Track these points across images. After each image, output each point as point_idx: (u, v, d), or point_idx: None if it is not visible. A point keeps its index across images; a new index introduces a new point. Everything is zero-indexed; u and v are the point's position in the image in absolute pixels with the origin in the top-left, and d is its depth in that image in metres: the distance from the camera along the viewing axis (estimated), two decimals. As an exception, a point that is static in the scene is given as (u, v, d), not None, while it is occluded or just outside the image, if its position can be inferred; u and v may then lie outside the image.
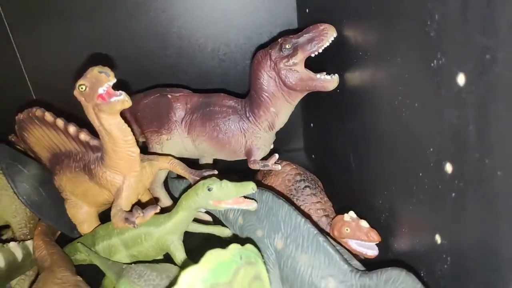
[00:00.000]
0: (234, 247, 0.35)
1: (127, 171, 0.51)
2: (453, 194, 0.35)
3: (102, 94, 0.44)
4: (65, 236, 0.64)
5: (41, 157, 0.63)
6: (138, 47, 0.78)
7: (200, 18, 0.78)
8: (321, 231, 0.49)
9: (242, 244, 0.36)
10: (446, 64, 0.33)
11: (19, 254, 0.57)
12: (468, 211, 0.33)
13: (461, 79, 0.31)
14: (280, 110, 0.60)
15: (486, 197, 0.31)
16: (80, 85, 0.45)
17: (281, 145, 0.90)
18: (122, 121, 0.48)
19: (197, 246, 0.58)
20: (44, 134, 0.57)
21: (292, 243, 0.44)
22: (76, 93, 0.46)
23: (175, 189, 0.69)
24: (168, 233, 0.51)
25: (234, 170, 0.64)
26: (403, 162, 0.43)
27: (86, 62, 0.79)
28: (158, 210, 0.49)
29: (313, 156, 0.84)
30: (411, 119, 0.40)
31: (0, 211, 0.62)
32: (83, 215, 0.60)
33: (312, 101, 0.76)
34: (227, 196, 0.46)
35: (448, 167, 0.35)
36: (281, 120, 0.61)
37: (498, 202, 0.29)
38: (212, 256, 0.33)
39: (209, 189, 0.46)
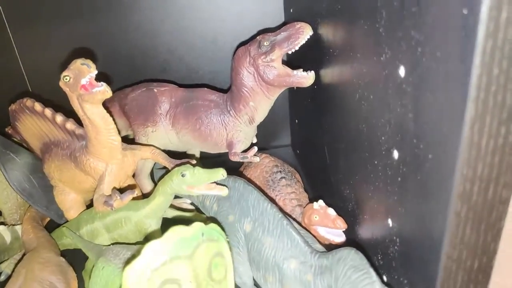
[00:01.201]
0: (196, 224, 0.38)
1: (109, 159, 0.54)
2: (399, 179, 0.37)
3: (84, 85, 0.47)
4: (53, 223, 0.68)
5: (33, 147, 0.67)
6: (130, 44, 0.82)
7: (191, 17, 0.81)
8: (290, 217, 0.52)
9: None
10: (390, 58, 0.36)
11: (8, 237, 0.60)
12: (410, 193, 0.36)
13: (402, 71, 0.34)
14: (259, 104, 0.63)
15: (421, 179, 0.33)
16: (65, 76, 0.48)
17: (270, 141, 0.93)
18: (104, 110, 0.51)
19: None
20: (34, 124, 0.61)
21: (259, 226, 0.47)
22: (61, 83, 0.49)
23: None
24: (146, 217, 0.54)
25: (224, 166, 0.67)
26: (364, 152, 0.46)
27: (81, 56, 0.82)
28: (135, 195, 0.52)
29: (298, 151, 0.87)
30: (368, 110, 0.43)
31: (-8, 198, 0.65)
32: (70, 202, 0.63)
33: (297, 98, 0.79)
34: (199, 182, 0.49)
35: (395, 154, 0.37)
36: (260, 114, 0.64)
37: (430, 183, 0.32)
38: (175, 231, 0.36)
39: (182, 175, 0.49)
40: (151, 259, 0.34)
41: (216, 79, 0.87)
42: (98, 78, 0.50)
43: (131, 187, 0.61)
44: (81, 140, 0.56)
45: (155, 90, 0.67)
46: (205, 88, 0.68)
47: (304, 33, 0.58)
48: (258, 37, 0.60)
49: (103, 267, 0.46)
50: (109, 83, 0.51)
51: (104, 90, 0.47)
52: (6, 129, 0.79)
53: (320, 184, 0.68)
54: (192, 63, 0.85)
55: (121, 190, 0.58)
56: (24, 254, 0.60)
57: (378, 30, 0.38)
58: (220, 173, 0.48)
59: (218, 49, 0.84)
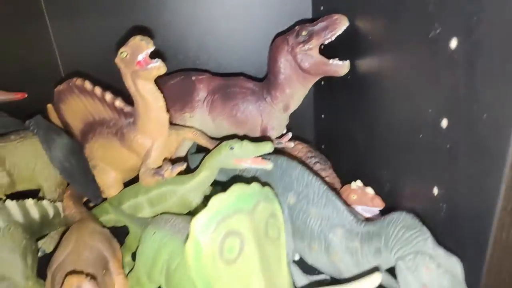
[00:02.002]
0: (255, 184, 0.40)
1: (156, 135, 0.56)
2: (448, 146, 0.40)
3: (140, 61, 0.50)
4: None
5: (73, 128, 0.69)
6: (162, 39, 0.84)
7: (221, 14, 0.85)
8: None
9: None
10: (441, 32, 0.39)
11: (50, 212, 0.62)
12: (460, 157, 0.38)
13: (453, 43, 0.37)
14: (295, 92, 0.66)
15: (474, 141, 0.36)
16: (122, 52, 0.51)
17: (293, 139, 0.96)
18: (156, 87, 0.54)
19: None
20: (80, 104, 0.63)
21: (304, 198, 0.49)
22: (117, 60, 0.52)
23: (194, 164, 0.74)
24: (191, 191, 0.56)
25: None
26: (406, 129, 0.48)
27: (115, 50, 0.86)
28: (184, 167, 0.54)
29: (323, 146, 0.89)
30: (413, 89, 0.46)
31: (35, 175, 0.67)
32: (110, 181, 0.65)
33: (324, 93, 0.81)
34: (247, 155, 0.51)
35: (444, 122, 0.40)
36: (295, 102, 0.67)
37: (483, 142, 0.35)
38: (237, 187, 0.38)
39: (231, 148, 0.51)
40: (216, 211, 0.36)
41: (246, 74, 0.90)
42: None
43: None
44: (128, 117, 0.59)
45: (193, 78, 0.70)
46: (242, 77, 0.71)
47: (341, 23, 0.61)
48: (296, 27, 0.63)
49: (154, 232, 0.48)
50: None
51: (159, 66, 0.50)
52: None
53: (351, 175, 0.70)
54: (222, 60, 0.88)
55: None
56: (65, 230, 0.62)
57: (427, 8, 0.41)
58: (269, 146, 0.50)
59: (247, 45, 0.87)
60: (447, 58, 0.38)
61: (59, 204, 0.65)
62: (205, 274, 0.36)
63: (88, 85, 0.59)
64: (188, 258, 0.36)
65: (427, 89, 0.42)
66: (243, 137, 0.53)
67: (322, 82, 0.77)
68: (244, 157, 0.51)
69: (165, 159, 0.57)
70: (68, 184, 0.69)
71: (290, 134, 0.67)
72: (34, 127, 0.67)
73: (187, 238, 0.36)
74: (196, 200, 0.57)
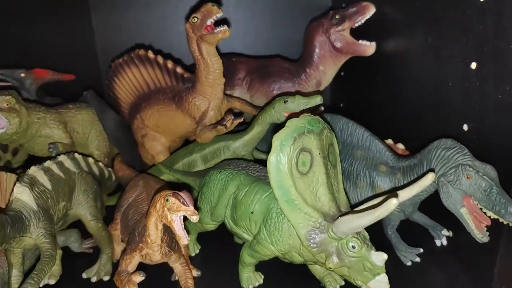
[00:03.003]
0: (318, 116, 0.47)
1: (213, 97, 0.63)
2: (477, 83, 0.48)
3: (208, 26, 0.58)
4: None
5: (124, 101, 0.75)
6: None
7: (251, 13, 0.94)
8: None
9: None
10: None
11: (106, 172, 0.68)
12: (489, 90, 0.46)
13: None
14: (327, 69, 0.74)
15: (501, 76, 0.44)
16: (194, 17, 0.59)
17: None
18: (217, 52, 0.61)
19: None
20: (137, 74, 0.70)
21: (348, 145, 0.56)
22: (187, 26, 0.60)
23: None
24: (243, 146, 0.63)
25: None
26: (435, 87, 0.56)
27: (152, 38, 0.92)
28: (242, 120, 0.61)
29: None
30: (440, 42, 0.54)
31: (88, 143, 0.73)
32: (160, 146, 0.71)
33: (345, 82, 0.90)
34: (299, 107, 0.58)
35: (473, 65, 0.48)
36: (327, 79, 0.75)
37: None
38: (306, 115, 0.45)
39: (285, 101, 0.59)
40: (294, 129, 0.43)
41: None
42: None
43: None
44: (187, 82, 0.66)
45: (234, 59, 0.79)
46: (277, 57, 0.79)
47: (369, 9, 0.71)
48: (330, 12, 0.73)
49: (220, 172, 0.54)
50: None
51: (225, 30, 0.58)
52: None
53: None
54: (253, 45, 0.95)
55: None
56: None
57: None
58: (318, 98, 0.57)
59: (273, 38, 0.95)
60: (477, 9, 0.47)
61: (110, 170, 0.71)
62: (283, 182, 0.43)
63: (151, 54, 0.67)
64: (270, 168, 0.43)
65: (456, 38, 0.51)
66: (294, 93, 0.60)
67: (342, 73, 0.86)
68: (296, 109, 0.58)
69: (226, 112, 0.64)
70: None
71: (322, 108, 0.75)
72: (90, 99, 0.74)
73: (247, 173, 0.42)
74: (247, 155, 0.63)
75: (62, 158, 0.55)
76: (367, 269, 0.42)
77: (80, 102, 0.74)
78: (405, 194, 0.40)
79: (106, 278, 0.55)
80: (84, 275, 0.56)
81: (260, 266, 0.53)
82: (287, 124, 0.44)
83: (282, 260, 0.51)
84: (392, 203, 0.37)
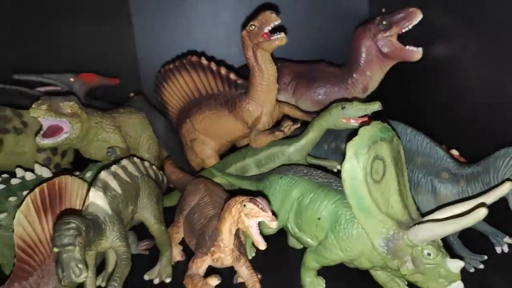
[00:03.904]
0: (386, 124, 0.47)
1: (266, 103, 0.64)
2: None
3: (265, 33, 0.59)
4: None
5: (173, 107, 0.76)
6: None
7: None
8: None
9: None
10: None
11: (159, 176, 0.69)
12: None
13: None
14: (373, 74, 0.75)
15: None
16: (251, 25, 0.60)
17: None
18: (272, 59, 0.62)
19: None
20: (189, 80, 0.71)
21: (408, 152, 0.57)
22: (243, 33, 0.61)
23: None
24: (298, 152, 0.63)
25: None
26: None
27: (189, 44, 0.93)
28: (299, 125, 0.62)
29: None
30: (493, 47, 0.54)
31: (139, 146, 0.74)
32: (210, 150, 0.72)
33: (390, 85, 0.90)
34: (356, 113, 0.59)
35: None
36: (373, 84, 0.76)
37: None
38: (376, 122, 0.46)
39: (343, 108, 0.59)
40: (368, 137, 0.44)
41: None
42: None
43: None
44: (240, 89, 0.67)
45: (279, 64, 0.79)
46: (322, 62, 0.80)
47: (417, 15, 0.71)
48: (377, 17, 0.73)
49: (281, 177, 0.55)
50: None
51: (282, 37, 0.59)
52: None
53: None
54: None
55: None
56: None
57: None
58: (377, 105, 0.58)
59: (310, 44, 0.96)
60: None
61: (162, 173, 0.72)
62: (358, 190, 0.43)
63: (204, 60, 0.68)
64: (344, 176, 0.43)
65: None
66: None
67: (387, 79, 0.85)
68: (353, 116, 0.59)
69: (283, 117, 0.64)
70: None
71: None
72: (141, 103, 0.75)
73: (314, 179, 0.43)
74: (301, 160, 0.64)
75: (125, 162, 0.56)
76: (443, 276, 0.42)
77: (129, 107, 0.76)
78: (488, 201, 0.40)
79: (168, 280, 0.57)
80: (146, 277, 0.57)
81: (320, 271, 0.54)
82: (359, 132, 0.44)
83: (347, 265, 0.52)
84: (482, 212, 0.37)
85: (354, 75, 0.75)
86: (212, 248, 0.48)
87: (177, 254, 0.60)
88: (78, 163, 0.72)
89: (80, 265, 0.39)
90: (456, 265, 0.42)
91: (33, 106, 0.57)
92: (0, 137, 0.70)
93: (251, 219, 0.43)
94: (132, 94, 0.82)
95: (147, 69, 0.94)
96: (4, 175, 0.64)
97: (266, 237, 0.58)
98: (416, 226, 0.42)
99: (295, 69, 0.79)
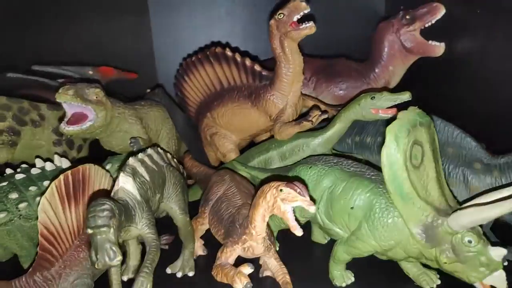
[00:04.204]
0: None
1: (291, 94, 0.63)
2: None
3: (294, 22, 0.58)
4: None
5: (192, 101, 0.76)
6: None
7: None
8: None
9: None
10: None
11: (181, 169, 0.68)
12: None
13: None
14: (396, 69, 0.74)
15: None
16: (280, 13, 0.59)
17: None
18: (299, 50, 0.61)
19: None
20: (211, 72, 0.70)
21: (438, 142, 0.56)
22: (272, 22, 0.60)
23: None
24: (324, 143, 0.62)
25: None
26: None
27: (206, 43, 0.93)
28: (327, 116, 0.61)
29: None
30: None
31: (159, 140, 0.73)
32: (231, 144, 0.71)
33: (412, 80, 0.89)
34: (386, 104, 0.58)
35: None
36: (396, 79, 0.75)
37: None
38: (414, 107, 0.45)
39: (372, 98, 0.58)
40: (407, 121, 0.43)
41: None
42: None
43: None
44: (264, 80, 0.66)
45: (299, 60, 0.79)
46: (343, 58, 0.79)
47: (440, 10, 0.71)
48: (400, 12, 0.73)
49: (310, 167, 0.54)
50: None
51: (311, 26, 0.58)
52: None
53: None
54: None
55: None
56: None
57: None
58: (407, 95, 0.57)
59: (327, 41, 0.95)
60: None
61: (182, 167, 0.71)
62: (398, 175, 0.42)
63: (229, 52, 0.67)
64: (384, 160, 0.42)
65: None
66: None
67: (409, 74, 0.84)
68: (383, 106, 0.58)
69: (312, 107, 0.63)
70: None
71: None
72: (161, 96, 0.74)
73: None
74: (326, 152, 0.63)
75: (150, 151, 0.55)
76: (484, 264, 0.41)
77: (149, 100, 0.75)
78: None
79: (190, 273, 0.55)
80: (169, 270, 0.56)
81: (348, 265, 0.53)
82: (398, 116, 0.43)
83: (379, 257, 0.51)
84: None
85: (377, 70, 0.75)
86: (244, 236, 0.46)
87: (199, 248, 0.59)
88: (93, 159, 0.71)
89: (114, 248, 0.38)
90: (498, 253, 0.41)
91: (60, 91, 0.56)
92: (18, 129, 0.69)
93: (287, 204, 0.42)
94: (148, 90, 0.82)
95: (164, 65, 0.93)
96: (24, 165, 0.63)
97: (289, 231, 0.58)
98: (458, 211, 0.41)
99: (315, 65, 0.78)
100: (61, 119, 0.71)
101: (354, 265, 0.52)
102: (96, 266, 0.37)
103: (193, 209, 0.60)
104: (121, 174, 0.47)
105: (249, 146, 0.73)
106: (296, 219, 0.43)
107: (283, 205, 0.42)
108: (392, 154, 0.42)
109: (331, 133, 0.62)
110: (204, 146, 0.76)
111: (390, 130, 0.42)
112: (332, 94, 0.76)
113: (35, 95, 0.75)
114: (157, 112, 0.72)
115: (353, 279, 0.52)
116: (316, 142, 0.63)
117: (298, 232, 0.42)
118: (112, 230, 0.38)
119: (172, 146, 0.74)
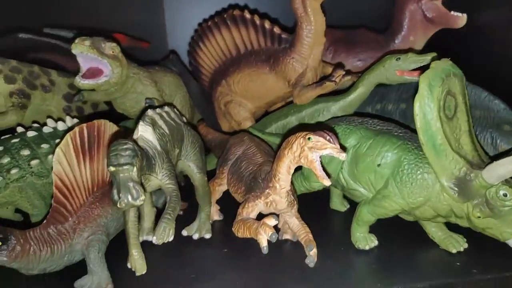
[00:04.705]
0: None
1: (312, 57, 0.61)
2: None
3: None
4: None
5: (205, 70, 0.74)
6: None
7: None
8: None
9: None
10: None
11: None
12: None
13: None
14: (417, 40, 0.72)
15: None
16: (303, -29, 0.58)
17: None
18: (321, 10, 0.60)
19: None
20: (228, 37, 0.68)
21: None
22: (294, -19, 0.59)
23: None
24: (346, 107, 0.61)
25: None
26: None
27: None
28: (350, 78, 0.59)
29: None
30: None
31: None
32: (247, 112, 0.69)
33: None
34: (411, 65, 0.56)
35: None
36: (416, 51, 0.73)
37: None
38: (446, 59, 0.43)
39: (397, 59, 0.56)
40: (441, 70, 0.41)
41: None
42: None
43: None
44: (284, 43, 0.64)
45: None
46: (363, 28, 0.78)
47: (463, -21, 0.69)
48: (422, -19, 0.71)
49: (334, 126, 0.52)
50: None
51: None
52: None
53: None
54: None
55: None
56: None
57: None
58: (433, 55, 0.55)
59: (352, 11, 0.92)
60: None
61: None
62: (431, 125, 0.41)
63: (247, 14, 0.65)
64: (417, 109, 0.41)
65: None
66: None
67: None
68: (408, 68, 0.56)
69: (335, 67, 0.62)
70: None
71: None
72: (175, 62, 0.73)
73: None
74: (349, 117, 0.61)
75: (167, 109, 0.54)
76: (520, 220, 0.40)
77: (163, 66, 0.73)
78: None
79: (207, 236, 0.54)
80: (185, 233, 0.54)
81: (371, 229, 0.51)
82: (432, 65, 0.42)
83: (404, 218, 0.49)
84: None
85: (397, 41, 0.73)
86: (267, 190, 0.45)
87: (215, 213, 0.57)
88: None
89: (137, 187, 0.36)
90: (535, 204, 0.39)
91: (76, 41, 0.54)
92: (28, 92, 0.68)
93: (315, 153, 0.40)
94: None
95: (176, 36, 0.91)
96: (35, 124, 0.62)
97: (307, 198, 0.56)
98: (493, 163, 0.40)
99: (334, 34, 0.77)
100: (71, 86, 0.70)
101: (377, 229, 0.51)
102: (118, 205, 0.36)
103: (208, 178, 0.58)
104: (140, 123, 0.45)
105: (263, 116, 0.72)
106: (324, 170, 0.41)
107: (311, 154, 0.40)
108: (426, 103, 0.40)
109: (353, 97, 0.61)
110: (217, 116, 0.74)
111: (424, 78, 0.41)
112: (351, 64, 0.75)
113: (46, 59, 0.74)
114: (171, 78, 0.71)
115: (376, 243, 0.50)
116: (337, 107, 0.61)
117: (326, 181, 0.40)
118: (135, 169, 0.36)
119: (186, 114, 0.73)
